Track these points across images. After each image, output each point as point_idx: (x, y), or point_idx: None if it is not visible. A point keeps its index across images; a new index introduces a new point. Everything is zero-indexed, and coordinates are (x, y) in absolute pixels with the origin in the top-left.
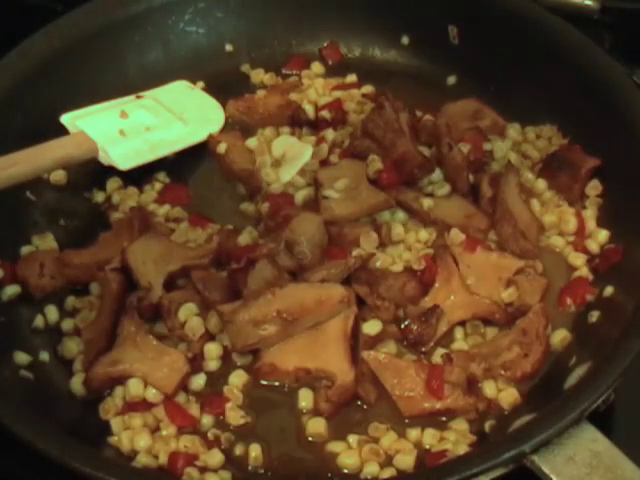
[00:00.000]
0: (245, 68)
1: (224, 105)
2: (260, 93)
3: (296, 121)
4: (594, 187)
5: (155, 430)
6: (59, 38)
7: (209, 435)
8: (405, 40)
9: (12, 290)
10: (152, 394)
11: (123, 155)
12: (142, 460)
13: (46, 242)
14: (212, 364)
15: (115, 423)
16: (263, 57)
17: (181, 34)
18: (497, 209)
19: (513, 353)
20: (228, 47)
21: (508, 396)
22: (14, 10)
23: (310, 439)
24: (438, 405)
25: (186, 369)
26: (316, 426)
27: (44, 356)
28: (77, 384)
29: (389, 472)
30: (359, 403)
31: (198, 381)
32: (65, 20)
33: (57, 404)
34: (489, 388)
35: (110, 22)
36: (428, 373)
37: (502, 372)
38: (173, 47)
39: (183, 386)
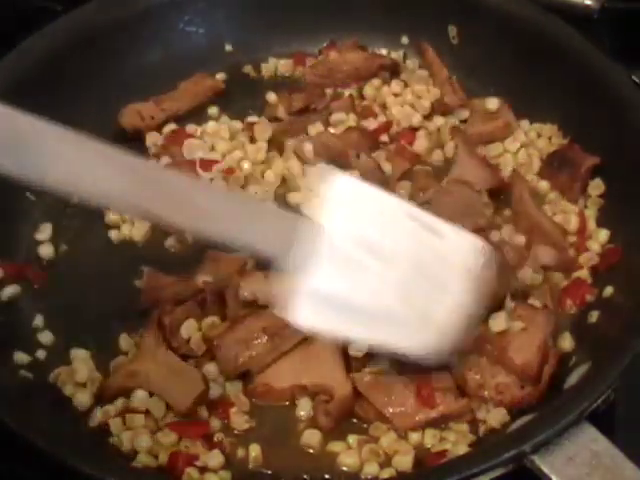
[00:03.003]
0: (246, 68)
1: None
2: (333, 54)
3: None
4: (596, 187)
5: (156, 431)
6: (59, 38)
7: (215, 438)
8: (405, 40)
9: (12, 290)
10: (157, 407)
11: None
12: (142, 460)
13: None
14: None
15: (114, 424)
16: (263, 57)
17: (181, 34)
18: (521, 222)
19: (509, 378)
20: (228, 47)
21: (497, 415)
22: (14, 10)
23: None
24: (432, 414)
25: (202, 387)
26: (311, 438)
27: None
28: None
29: (389, 472)
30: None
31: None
32: (65, 20)
33: (57, 404)
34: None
35: (110, 22)
36: (416, 383)
37: (493, 394)
38: (173, 47)
39: (199, 404)
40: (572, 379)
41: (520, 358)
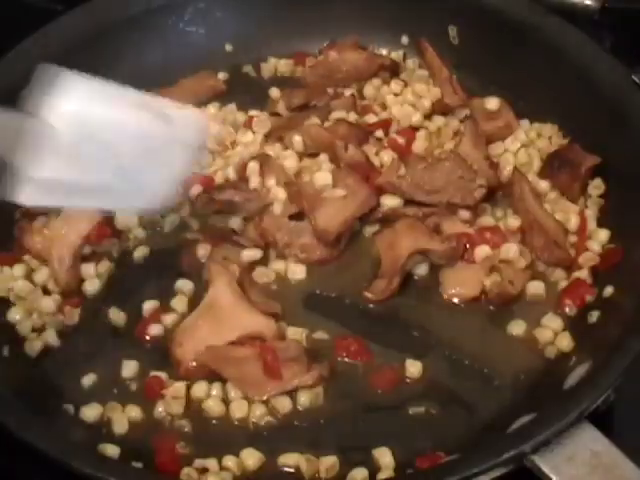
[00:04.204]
0: (245, 68)
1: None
2: (333, 54)
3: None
4: (597, 187)
5: None
6: (59, 38)
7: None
8: (405, 40)
9: None
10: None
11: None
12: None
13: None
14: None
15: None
16: (263, 57)
17: (181, 34)
18: (522, 220)
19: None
20: (228, 47)
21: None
22: (14, 10)
23: None
24: (283, 386)
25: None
26: (289, 459)
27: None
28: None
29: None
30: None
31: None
32: (65, 20)
33: (56, 404)
34: None
35: (110, 22)
36: (262, 355)
37: (298, 252)
38: (173, 47)
39: None
40: (572, 379)
41: (323, 222)
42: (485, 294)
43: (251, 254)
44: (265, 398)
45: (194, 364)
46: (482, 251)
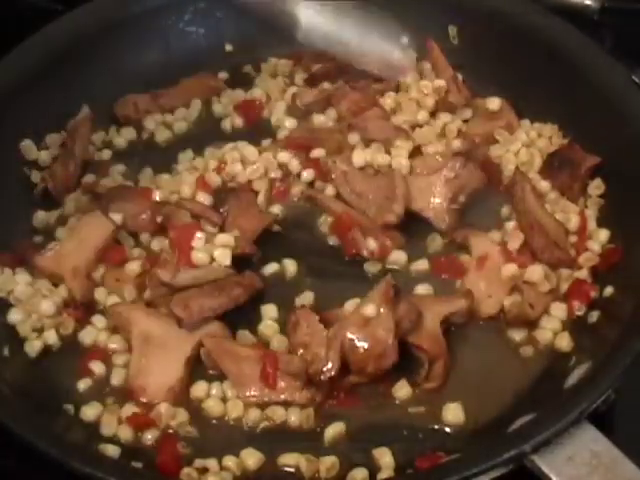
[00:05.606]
0: (245, 68)
1: None
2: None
3: None
4: (597, 187)
5: None
6: (59, 38)
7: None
8: (405, 40)
9: None
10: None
11: None
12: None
13: None
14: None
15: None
16: (263, 57)
17: (181, 34)
18: (522, 220)
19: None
20: (228, 47)
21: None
22: (14, 10)
23: None
24: (273, 397)
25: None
26: (289, 459)
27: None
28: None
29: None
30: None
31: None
32: (65, 20)
33: (56, 404)
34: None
35: (110, 22)
36: (263, 359)
37: None
38: (173, 47)
39: None
40: (572, 379)
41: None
42: (503, 313)
43: None
44: (251, 399)
45: (166, 403)
46: (509, 269)
